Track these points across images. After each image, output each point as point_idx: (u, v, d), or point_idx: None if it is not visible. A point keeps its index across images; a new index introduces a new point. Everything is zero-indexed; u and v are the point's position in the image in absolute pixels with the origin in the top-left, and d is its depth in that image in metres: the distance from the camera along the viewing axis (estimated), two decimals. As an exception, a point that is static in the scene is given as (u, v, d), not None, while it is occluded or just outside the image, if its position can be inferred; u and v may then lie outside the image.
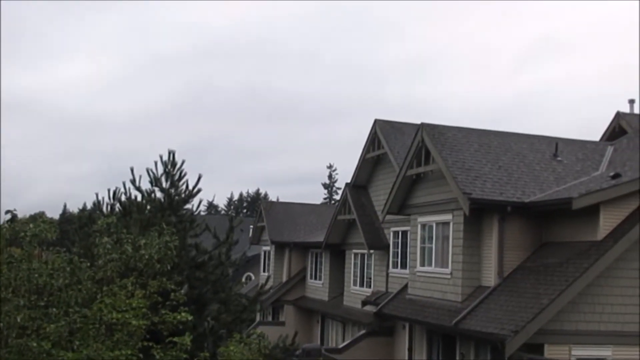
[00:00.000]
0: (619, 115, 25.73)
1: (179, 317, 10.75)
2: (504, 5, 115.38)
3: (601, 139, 25.85)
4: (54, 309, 10.23)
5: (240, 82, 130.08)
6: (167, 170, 17.05)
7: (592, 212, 16.34)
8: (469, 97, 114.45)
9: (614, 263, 15.70)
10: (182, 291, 13.43)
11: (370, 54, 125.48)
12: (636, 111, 25.78)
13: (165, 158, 17.07)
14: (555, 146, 21.26)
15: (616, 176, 17.57)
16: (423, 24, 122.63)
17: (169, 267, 11.51)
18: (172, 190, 17.05)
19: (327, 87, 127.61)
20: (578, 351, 15.41)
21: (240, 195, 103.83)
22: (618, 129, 25.51)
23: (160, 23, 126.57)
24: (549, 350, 15.24)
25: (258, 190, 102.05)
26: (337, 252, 31.23)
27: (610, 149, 21.94)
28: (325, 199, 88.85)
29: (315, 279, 33.93)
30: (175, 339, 10.44)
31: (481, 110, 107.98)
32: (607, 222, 16.25)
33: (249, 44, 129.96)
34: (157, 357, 10.19)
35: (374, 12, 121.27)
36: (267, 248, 38.02)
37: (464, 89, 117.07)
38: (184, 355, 10.37)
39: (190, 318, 11.01)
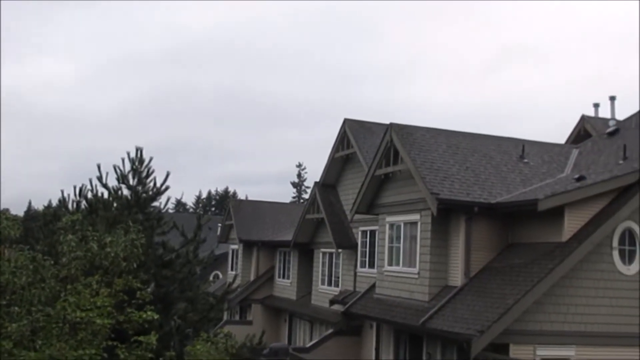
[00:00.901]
0: (584, 119, 26.14)
1: (144, 315, 10.64)
2: (476, 12, 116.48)
3: (566, 142, 26.23)
4: (16, 308, 10.07)
5: (212, 82, 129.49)
6: (134, 167, 16.87)
7: (557, 214, 16.56)
8: (441, 102, 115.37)
9: (578, 264, 15.93)
10: (149, 290, 13.31)
11: (344, 57, 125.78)
12: (601, 115, 26.20)
13: (132, 155, 16.91)
14: (522, 148, 21.50)
15: (581, 178, 17.83)
16: (397, 29, 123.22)
17: (135, 265, 11.38)
18: (140, 188, 16.88)
19: (300, 88, 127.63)
20: (542, 351, 15.60)
21: (209, 193, 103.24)
22: (583, 132, 25.92)
23: (135, 22, 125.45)
24: (514, 350, 15.39)
25: (227, 188, 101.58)
26: (305, 251, 31.22)
27: (575, 152, 22.26)
28: (294, 197, 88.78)
29: (284, 277, 33.88)
30: (141, 338, 10.33)
31: (452, 114, 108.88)
32: (571, 223, 16.48)
33: (224, 44, 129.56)
34: (122, 356, 10.08)
35: (348, 15, 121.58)
36: (235, 246, 37.85)
37: (436, 93, 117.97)
38: (150, 355, 10.27)
39: (156, 317, 10.91)
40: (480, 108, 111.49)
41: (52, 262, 10.91)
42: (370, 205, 22.07)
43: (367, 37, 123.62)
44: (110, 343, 10.39)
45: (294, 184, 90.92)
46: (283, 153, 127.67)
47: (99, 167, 16.53)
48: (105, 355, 10.14)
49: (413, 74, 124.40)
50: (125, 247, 10.76)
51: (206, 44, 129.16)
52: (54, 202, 23.09)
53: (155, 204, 17.13)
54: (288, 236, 32.00)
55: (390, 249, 20.72)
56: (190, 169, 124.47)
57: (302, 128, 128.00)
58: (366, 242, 25.25)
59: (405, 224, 19.97)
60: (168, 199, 17.66)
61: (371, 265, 24.24)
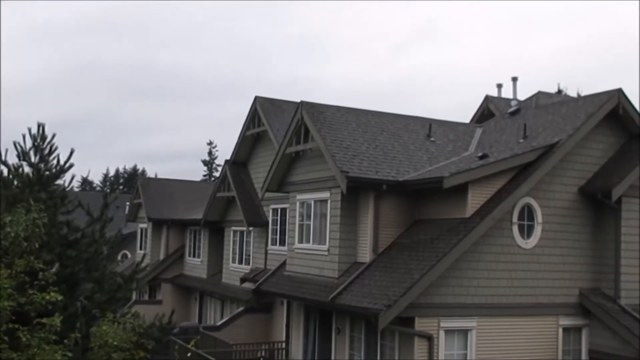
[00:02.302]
0: (487, 99, 27.07)
1: (47, 297, 10.34)
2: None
3: (471, 121, 27.11)
4: None
5: (121, 57, 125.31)
6: (36, 144, 16.23)
7: (461, 191, 17.12)
8: (351, 79, 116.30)
9: (480, 239, 16.56)
10: (53, 270, 12.91)
11: (255, 32, 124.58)
12: (503, 95, 27.20)
13: (34, 131, 16.25)
14: (429, 127, 22.05)
15: (484, 157, 18.48)
16: (307, 5, 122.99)
17: (37, 246, 11.01)
18: (42, 165, 16.27)
19: (211, 64, 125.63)
20: (446, 323, 16.19)
21: (117, 171, 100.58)
22: (487, 111, 26.87)
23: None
24: (419, 323, 15.89)
25: (135, 166, 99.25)
26: (216, 229, 31.05)
27: (479, 131, 23.03)
28: (205, 176, 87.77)
29: (194, 256, 33.61)
30: (44, 320, 10.04)
31: (362, 92, 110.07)
32: (474, 200, 17.09)
33: (133, 18, 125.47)
34: (24, 339, 9.77)
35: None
36: (144, 225, 37.17)
37: (347, 70, 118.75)
38: (53, 337, 9.99)
39: (60, 298, 10.62)
40: (390, 86, 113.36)
41: (-53, 243, 10.42)
42: (281, 183, 22.14)
43: (278, 11, 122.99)
44: (11, 326, 10.04)
45: (204, 162, 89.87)
46: (194, 130, 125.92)
47: (-4, 143, 15.81)
48: (5, 338, 9.81)
49: (324, 51, 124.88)
50: (26, 226, 10.39)
51: (114, 16, 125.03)
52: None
53: (59, 182, 16.55)
54: (198, 214, 31.71)
55: (301, 226, 20.89)
56: (97, 146, 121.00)
57: (213, 105, 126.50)
58: (277, 220, 25.35)
59: (316, 201, 20.17)
60: (73, 177, 17.08)
61: (282, 243, 24.39)
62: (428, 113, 25.67)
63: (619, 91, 18.60)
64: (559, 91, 50.83)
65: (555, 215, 17.73)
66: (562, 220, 17.82)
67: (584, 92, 42.48)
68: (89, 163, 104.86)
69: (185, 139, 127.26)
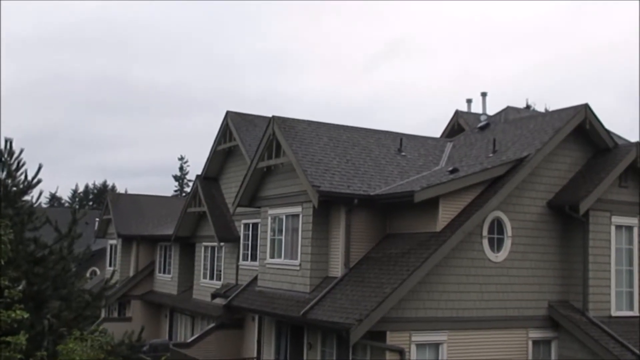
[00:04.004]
0: (457, 114, 27.33)
1: (13, 315, 10.13)
2: (360, 7, 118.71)
3: (442, 135, 27.34)
4: None
5: (91, 70, 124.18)
6: (3, 159, 16.00)
7: (432, 205, 17.22)
8: (323, 95, 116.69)
9: (450, 253, 16.65)
10: (20, 288, 12.69)
11: (228, 48, 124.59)
12: (473, 110, 27.49)
13: (1, 146, 16.02)
14: (400, 142, 22.19)
15: (454, 171, 18.63)
16: (280, 20, 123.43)
17: (2, 263, 10.80)
18: (9, 181, 16.03)
19: (183, 79, 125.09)
20: (417, 337, 16.20)
21: (86, 187, 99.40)
22: (457, 126, 27.11)
23: (10, 3, 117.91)
24: (390, 337, 15.89)
25: (105, 182, 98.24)
26: (186, 245, 30.82)
27: (449, 145, 23.22)
28: (176, 191, 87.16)
29: (164, 272, 33.28)
30: (9, 339, 9.83)
31: (334, 106, 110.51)
32: (445, 214, 17.20)
33: (104, 31, 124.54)
34: (-12, 358, 9.56)
35: (233, 6, 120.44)
36: (113, 241, 36.75)
37: (319, 85, 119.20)
38: (19, 356, 9.79)
39: (26, 316, 10.42)
40: (362, 101, 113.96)
41: None
42: (252, 198, 22.07)
43: (250, 27, 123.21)
44: (-25, 345, 9.83)
45: (175, 177, 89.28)
46: (165, 145, 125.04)
47: (-38, 159, 15.53)
48: (-31, 357, 9.59)
49: (296, 67, 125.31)
50: (-9, 243, 10.19)
51: (81, 28, 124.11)
52: None
53: (27, 198, 16.31)
54: (169, 230, 31.45)
55: (272, 241, 20.82)
56: (66, 162, 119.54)
57: (185, 120, 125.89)
58: (248, 235, 25.25)
59: (287, 216, 20.13)
60: (41, 193, 16.83)
61: (253, 258, 24.29)
62: (399, 128, 25.93)
63: (586, 106, 18.91)
64: (528, 106, 51.56)
65: (524, 228, 17.91)
66: (531, 233, 18.00)
67: (552, 108, 43.14)
68: (57, 179, 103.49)
69: (156, 154, 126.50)
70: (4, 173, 16.04)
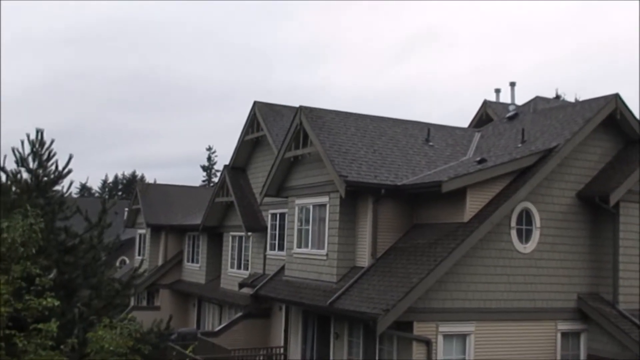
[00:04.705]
0: (486, 104, 27.08)
1: (44, 302, 10.30)
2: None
3: (469, 125, 27.12)
4: None
5: (122, 64, 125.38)
6: (34, 150, 16.25)
7: (459, 195, 17.13)
8: (351, 85, 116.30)
9: (478, 243, 16.55)
10: (50, 276, 12.89)
11: (255, 40, 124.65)
12: (501, 100, 27.21)
13: (32, 137, 16.27)
14: (427, 131, 22.07)
15: (482, 161, 18.49)
16: (308, 11, 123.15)
17: (34, 251, 10.99)
18: (40, 171, 16.28)
19: (211, 69, 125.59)
20: (444, 328, 16.16)
21: (116, 177, 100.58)
22: (485, 116, 26.86)
23: (36, 2, 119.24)
24: (417, 327, 15.88)
25: (134, 172, 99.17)
26: (214, 234, 31.02)
27: (477, 135, 23.04)
28: (204, 181, 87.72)
29: (192, 262, 33.56)
30: (40, 326, 10.00)
31: (362, 97, 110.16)
32: (473, 204, 17.09)
33: (135, 24, 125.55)
34: (20, 345, 9.74)
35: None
36: (142, 231, 37.13)
37: (347, 77, 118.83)
38: (50, 343, 9.96)
39: (57, 304, 10.58)
40: (389, 92, 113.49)
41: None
42: (279, 188, 22.13)
43: (277, 19, 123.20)
44: (8, 332, 10.01)
45: (204, 168, 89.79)
46: (193, 136, 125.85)
47: (-6, 150, 15.83)
48: (2, 344, 9.78)
49: (323, 58, 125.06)
50: (22, 232, 10.37)
51: (111, 24, 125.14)
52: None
53: (58, 188, 16.56)
54: (197, 220, 31.67)
55: (300, 231, 20.88)
56: (97, 153, 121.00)
57: (212, 110, 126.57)
58: (276, 224, 25.33)
59: (314, 206, 20.16)
60: (71, 183, 17.08)
61: (280, 248, 24.36)
62: (427, 118, 25.69)
63: (616, 96, 18.62)
64: (557, 96, 50.88)
65: (553, 219, 17.73)
66: (560, 224, 17.81)
67: (582, 98, 42.53)
68: (87, 170, 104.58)
69: (185, 145, 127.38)
70: (36, 163, 16.31)
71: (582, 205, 18.08)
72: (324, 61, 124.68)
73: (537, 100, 25.48)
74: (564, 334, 17.61)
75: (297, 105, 21.60)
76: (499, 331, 16.78)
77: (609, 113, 18.51)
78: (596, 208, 17.90)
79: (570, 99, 48.94)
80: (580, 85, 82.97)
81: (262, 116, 26.89)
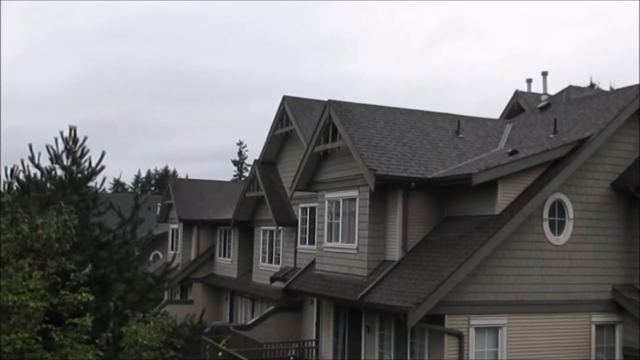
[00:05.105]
0: (517, 94, 26.79)
1: (79, 297, 10.50)
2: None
3: (501, 116, 26.87)
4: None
5: (151, 59, 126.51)
6: (68, 147, 16.52)
7: (490, 187, 16.98)
8: (380, 78, 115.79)
9: (510, 236, 16.40)
10: (86, 271, 13.12)
11: (284, 34, 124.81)
12: (533, 90, 26.89)
13: (66, 134, 16.53)
14: (458, 124, 21.90)
15: (513, 153, 18.31)
16: (335, 4, 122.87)
17: (68, 247, 11.19)
18: (74, 168, 16.55)
19: (241, 64, 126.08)
20: (476, 321, 16.06)
21: (149, 172, 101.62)
22: (516, 107, 26.58)
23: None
24: (449, 321, 15.80)
25: (167, 167, 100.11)
26: (245, 229, 31.22)
27: (509, 127, 22.80)
28: (235, 176, 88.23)
29: (224, 256, 33.83)
30: (76, 320, 10.20)
31: (391, 89, 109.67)
32: (504, 196, 16.93)
33: (164, 19, 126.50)
34: (57, 339, 9.94)
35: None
36: (175, 226, 37.52)
37: (376, 69, 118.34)
38: (85, 337, 10.15)
39: (91, 298, 10.78)
40: (419, 84, 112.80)
41: (-18, 245, 10.63)
42: (309, 182, 22.18)
43: (306, 12, 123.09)
44: (44, 326, 10.23)
45: (234, 162, 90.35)
46: (224, 131, 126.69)
47: (30, 147, 16.14)
48: (39, 338, 9.99)
49: (352, 50, 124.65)
50: (57, 228, 10.57)
51: (142, 19, 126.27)
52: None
53: (91, 184, 16.82)
54: (228, 215, 31.91)
55: (330, 225, 20.91)
56: (129, 149, 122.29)
57: (243, 106, 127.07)
58: (306, 219, 25.40)
59: (344, 200, 20.16)
60: (104, 179, 17.37)
61: (311, 242, 24.44)
62: (457, 110, 25.51)
63: (652, 84, 18.27)
64: (592, 85, 50.01)
65: (587, 210, 17.48)
66: (594, 215, 17.56)
67: (617, 86, 41.80)
68: (120, 165, 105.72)
69: (216, 140, 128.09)
70: (69, 160, 16.58)
71: (616, 195, 17.79)
72: (353, 54, 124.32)
73: (570, 89, 25.15)
74: (599, 327, 17.38)
75: (325, 99, 21.60)
76: (532, 324, 16.62)
77: (644, 102, 18.16)
78: (631, 198, 17.60)
79: (605, 87, 48.09)
80: (616, 73, 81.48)
81: (291, 110, 26.96)
